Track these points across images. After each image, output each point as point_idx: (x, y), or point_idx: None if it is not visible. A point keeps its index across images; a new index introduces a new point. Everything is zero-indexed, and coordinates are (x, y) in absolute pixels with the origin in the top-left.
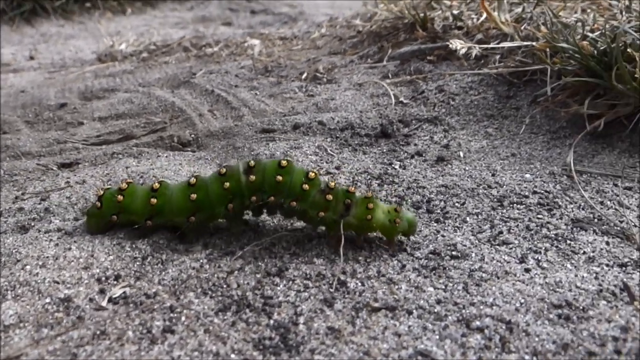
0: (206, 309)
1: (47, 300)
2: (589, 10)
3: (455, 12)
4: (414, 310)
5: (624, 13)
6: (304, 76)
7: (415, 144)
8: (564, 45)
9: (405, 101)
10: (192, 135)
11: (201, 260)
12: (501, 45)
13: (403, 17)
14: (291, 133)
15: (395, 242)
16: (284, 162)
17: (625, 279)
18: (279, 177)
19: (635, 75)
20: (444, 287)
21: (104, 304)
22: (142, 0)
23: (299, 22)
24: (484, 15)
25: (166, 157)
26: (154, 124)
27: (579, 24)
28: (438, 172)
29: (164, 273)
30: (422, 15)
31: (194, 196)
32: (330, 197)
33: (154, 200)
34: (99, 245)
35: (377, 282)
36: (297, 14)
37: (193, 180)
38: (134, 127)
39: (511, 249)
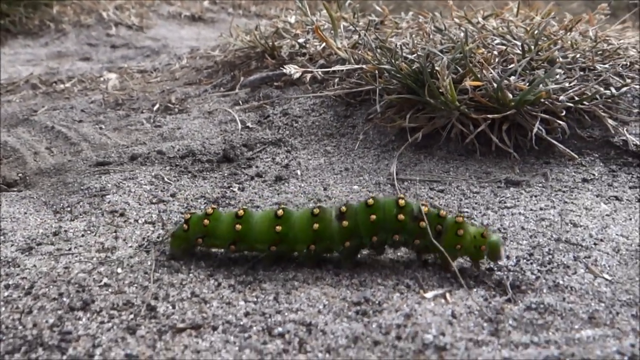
0: None
1: None
2: (414, 36)
3: (300, 40)
4: (220, 326)
5: (432, 35)
6: (155, 107)
7: (257, 166)
8: (387, 67)
9: (251, 126)
10: (20, 175)
11: None
12: (336, 68)
13: (255, 47)
14: (128, 164)
15: (481, 264)
16: (370, 201)
17: (421, 273)
18: (373, 217)
19: (440, 91)
20: (255, 299)
21: None
22: None
23: (162, 55)
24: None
25: None
26: None
27: (399, 47)
28: (275, 191)
29: None
30: (271, 44)
31: (278, 228)
32: (423, 224)
33: (238, 227)
34: None
35: (189, 302)
36: (160, 47)
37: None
38: None
39: (328, 256)
